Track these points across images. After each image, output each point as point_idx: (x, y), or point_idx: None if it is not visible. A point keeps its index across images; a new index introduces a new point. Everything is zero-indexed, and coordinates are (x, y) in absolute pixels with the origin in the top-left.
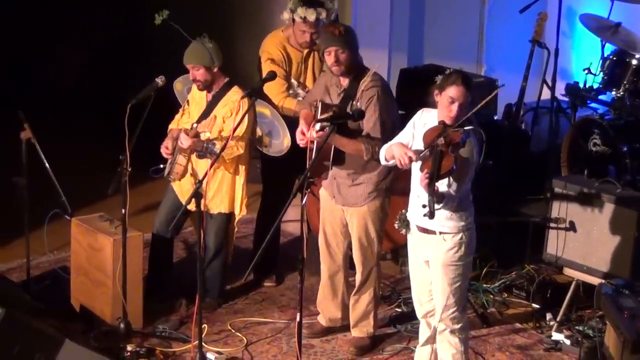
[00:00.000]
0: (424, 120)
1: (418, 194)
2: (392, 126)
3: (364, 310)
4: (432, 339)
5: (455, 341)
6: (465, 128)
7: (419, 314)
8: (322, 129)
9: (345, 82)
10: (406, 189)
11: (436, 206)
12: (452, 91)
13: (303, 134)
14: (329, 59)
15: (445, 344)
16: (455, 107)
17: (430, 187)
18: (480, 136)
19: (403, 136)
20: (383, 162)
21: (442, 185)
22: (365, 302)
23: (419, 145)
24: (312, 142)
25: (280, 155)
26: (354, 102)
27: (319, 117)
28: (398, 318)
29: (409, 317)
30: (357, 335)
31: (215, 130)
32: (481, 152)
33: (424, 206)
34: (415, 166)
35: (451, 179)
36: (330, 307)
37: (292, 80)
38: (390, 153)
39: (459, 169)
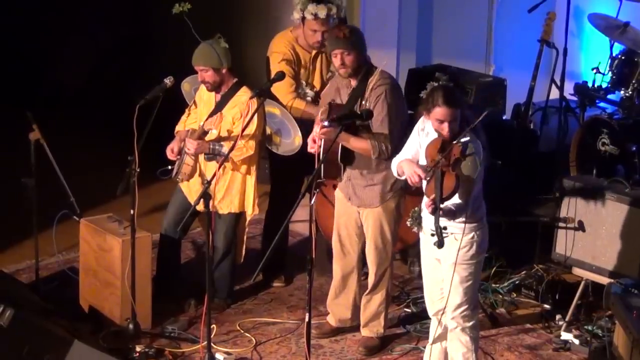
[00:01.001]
0: (426, 129)
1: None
2: (401, 124)
3: (376, 311)
4: (442, 337)
5: (466, 339)
6: (462, 140)
7: (430, 311)
8: (327, 126)
9: (354, 82)
10: (417, 188)
11: (447, 221)
12: (437, 113)
13: (314, 141)
14: (336, 62)
15: (456, 342)
16: (445, 127)
17: (436, 213)
18: (478, 146)
19: (410, 146)
20: (396, 175)
21: (453, 198)
22: (377, 302)
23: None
24: (319, 141)
25: (291, 154)
26: (362, 101)
27: (325, 117)
28: (407, 318)
29: (418, 317)
30: (367, 335)
31: (222, 128)
32: (485, 148)
33: (432, 235)
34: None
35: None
36: (341, 307)
37: (301, 80)
38: (400, 169)
39: (463, 187)
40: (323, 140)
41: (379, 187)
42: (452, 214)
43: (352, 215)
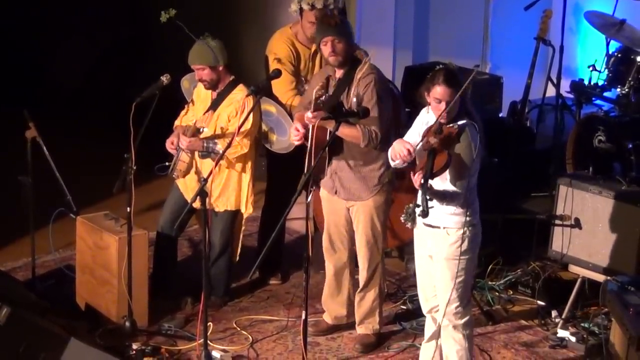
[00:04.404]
0: (427, 119)
1: None
2: (388, 114)
3: (370, 307)
4: (437, 335)
5: (459, 337)
6: (459, 123)
7: (424, 309)
8: (315, 110)
9: (339, 73)
10: (411, 186)
11: (436, 203)
12: (436, 92)
13: (298, 130)
14: (326, 50)
15: (450, 339)
16: (443, 106)
17: (424, 186)
18: (474, 128)
19: (410, 136)
20: (391, 163)
21: (446, 183)
22: (371, 299)
23: None
24: (308, 135)
25: (286, 152)
26: (350, 91)
27: (313, 109)
28: (404, 315)
29: (415, 314)
30: (363, 332)
31: (214, 125)
32: (481, 141)
33: (417, 205)
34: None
35: (448, 177)
36: (336, 305)
37: (301, 77)
38: (392, 150)
39: (454, 167)
40: (315, 135)
41: (367, 180)
42: (441, 196)
43: (341, 211)
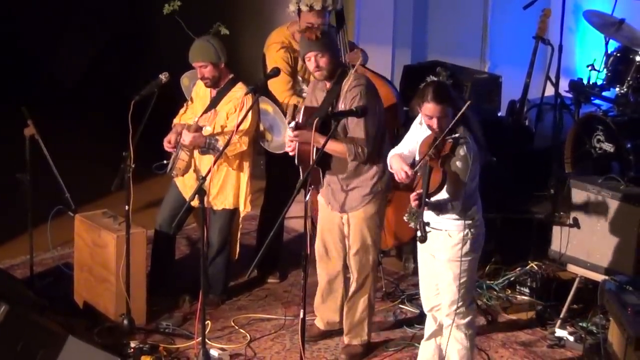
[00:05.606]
0: (423, 126)
1: None
2: (378, 124)
3: (358, 318)
4: (437, 334)
5: (461, 336)
6: (454, 136)
7: (425, 307)
8: (297, 127)
9: (329, 84)
10: (409, 185)
11: (435, 216)
12: (426, 108)
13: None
14: (310, 65)
15: (451, 338)
16: (434, 122)
17: (421, 208)
18: (471, 144)
19: (408, 141)
20: (390, 169)
21: (443, 192)
22: (360, 309)
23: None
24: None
25: (281, 152)
26: (338, 103)
27: (300, 119)
28: (402, 315)
29: (413, 314)
30: (350, 343)
31: (216, 124)
32: (479, 144)
33: (416, 230)
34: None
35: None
36: (329, 310)
37: (298, 77)
38: (392, 169)
39: (451, 183)
40: (300, 149)
41: (357, 191)
42: (439, 209)
43: (335, 220)
